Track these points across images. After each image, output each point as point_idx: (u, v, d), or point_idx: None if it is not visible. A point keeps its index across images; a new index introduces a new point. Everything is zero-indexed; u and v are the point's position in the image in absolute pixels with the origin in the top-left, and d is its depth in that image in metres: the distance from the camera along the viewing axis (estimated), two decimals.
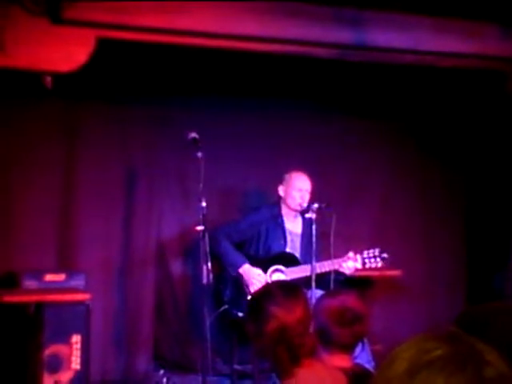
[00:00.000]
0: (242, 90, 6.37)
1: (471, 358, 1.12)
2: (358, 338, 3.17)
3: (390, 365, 1.16)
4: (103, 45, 4.89)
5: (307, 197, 5.75)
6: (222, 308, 5.64)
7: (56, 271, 5.64)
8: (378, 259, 5.72)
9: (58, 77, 4.91)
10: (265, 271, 5.68)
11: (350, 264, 5.63)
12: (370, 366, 4.35)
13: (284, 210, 5.88)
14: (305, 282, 5.40)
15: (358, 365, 3.22)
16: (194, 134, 5.31)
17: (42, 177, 5.92)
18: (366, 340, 5.00)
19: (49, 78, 4.83)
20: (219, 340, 5.84)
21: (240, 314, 5.48)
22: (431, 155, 7.15)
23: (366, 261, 5.70)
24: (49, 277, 5.50)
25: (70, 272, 5.66)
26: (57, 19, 4.72)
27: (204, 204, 5.18)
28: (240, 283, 5.64)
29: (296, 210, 5.83)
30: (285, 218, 5.89)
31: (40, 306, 5.23)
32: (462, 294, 7.22)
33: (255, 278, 5.60)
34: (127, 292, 6.17)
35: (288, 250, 5.86)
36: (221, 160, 6.26)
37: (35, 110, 5.87)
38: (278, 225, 5.87)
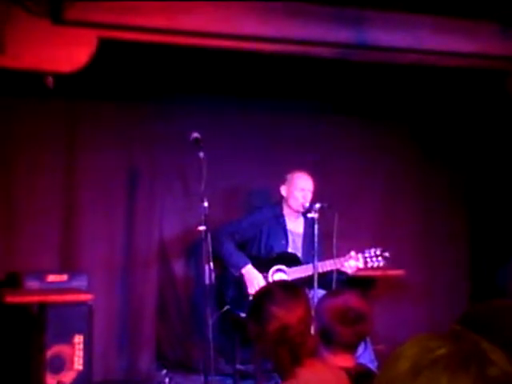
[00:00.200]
0: (244, 90, 6.37)
1: (475, 357, 1.12)
2: (360, 338, 3.17)
3: (394, 364, 1.15)
4: (105, 45, 4.89)
5: (309, 197, 5.75)
6: (225, 308, 5.64)
7: (58, 272, 5.65)
8: (380, 258, 5.72)
9: (60, 77, 4.91)
10: (267, 271, 5.67)
11: (352, 263, 5.62)
12: (372, 366, 4.35)
13: (286, 210, 5.88)
14: (307, 281, 5.40)
15: (360, 364, 3.22)
16: (196, 134, 5.31)
17: (43, 177, 5.92)
18: (368, 340, 5.01)
19: (50, 79, 4.83)
20: (221, 340, 5.84)
21: (242, 315, 5.47)
22: (433, 154, 7.15)
23: (368, 260, 5.69)
24: (51, 277, 5.51)
25: (73, 272, 5.66)
26: (58, 20, 4.72)
27: (206, 204, 5.18)
28: (242, 283, 5.64)
29: (298, 211, 5.82)
30: (286, 218, 5.89)
31: (42, 306, 5.23)
32: (465, 294, 7.22)
33: (256, 280, 5.59)
34: (129, 292, 6.17)
35: (290, 249, 5.85)
36: (223, 160, 6.26)
37: (37, 110, 5.88)
38: (280, 225, 5.86)
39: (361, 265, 5.67)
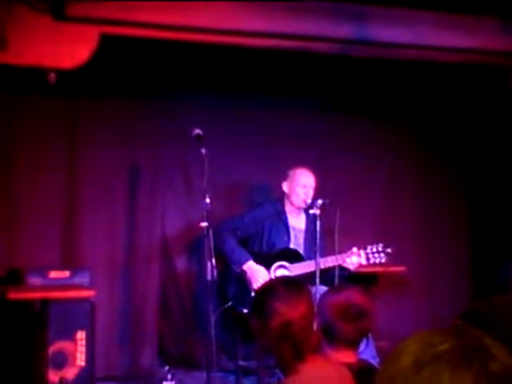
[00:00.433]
0: (246, 87, 6.36)
1: (477, 352, 1.12)
2: (362, 334, 3.17)
3: (396, 359, 1.16)
4: (107, 41, 4.89)
5: (311, 193, 5.74)
6: (227, 304, 5.64)
7: (60, 268, 5.65)
8: (382, 254, 5.71)
9: (62, 73, 4.91)
10: (269, 267, 5.67)
11: (354, 259, 5.62)
12: (374, 362, 4.35)
13: (287, 207, 5.88)
14: (309, 277, 5.40)
15: (362, 360, 3.22)
16: (198, 131, 5.31)
17: (45, 174, 5.92)
18: (370, 336, 5.02)
19: (52, 75, 4.83)
20: (224, 336, 5.84)
21: (245, 311, 5.47)
22: (434, 151, 7.15)
23: (370, 256, 5.69)
24: (53, 274, 5.51)
25: (75, 269, 5.67)
26: (60, 16, 4.72)
27: (208, 200, 5.18)
28: (244, 280, 5.64)
29: (300, 207, 5.82)
30: (288, 215, 5.89)
31: (45, 302, 5.23)
32: (467, 290, 7.22)
33: (259, 275, 5.60)
34: (131, 288, 6.18)
35: (292, 246, 5.85)
36: (225, 156, 6.26)
37: (38, 107, 5.89)
38: (282, 221, 5.86)
39: (363, 261, 5.67)
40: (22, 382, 5.38)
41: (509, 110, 6.51)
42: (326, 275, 5.46)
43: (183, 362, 6.24)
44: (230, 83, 6.27)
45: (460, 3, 5.39)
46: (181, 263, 6.40)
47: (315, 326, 2.90)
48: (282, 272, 5.68)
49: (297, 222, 5.93)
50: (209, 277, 5.15)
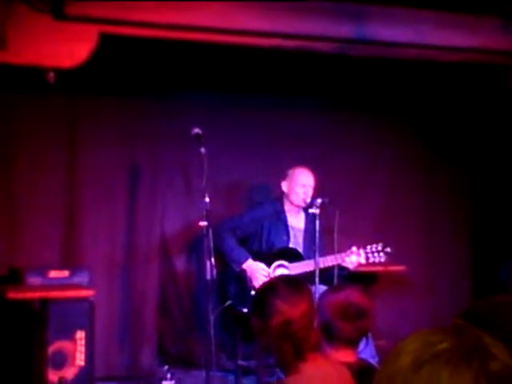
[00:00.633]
0: (245, 86, 6.36)
1: (477, 352, 1.12)
2: (362, 333, 3.17)
3: (395, 358, 1.15)
4: (106, 40, 4.89)
5: (310, 192, 5.74)
6: (226, 304, 5.64)
7: (60, 268, 5.65)
8: (382, 254, 5.71)
9: (61, 72, 4.90)
10: (268, 266, 5.67)
11: (354, 258, 5.62)
12: (374, 362, 4.35)
13: (287, 206, 5.87)
14: (308, 277, 5.40)
15: (362, 360, 3.22)
16: (197, 130, 5.31)
17: (45, 173, 5.92)
18: (369, 335, 5.01)
19: (51, 74, 4.83)
20: (223, 336, 5.85)
21: (244, 310, 5.47)
22: (435, 150, 7.15)
23: (370, 255, 5.69)
24: (53, 273, 5.51)
25: (74, 268, 5.66)
26: (59, 15, 4.72)
27: (207, 199, 5.18)
28: (244, 279, 5.64)
29: (299, 206, 5.82)
30: (287, 214, 5.89)
31: (44, 302, 5.23)
32: (467, 289, 7.22)
33: (259, 272, 5.60)
34: (131, 288, 6.18)
35: (291, 245, 5.85)
36: (224, 155, 6.26)
37: (38, 106, 5.88)
38: (281, 220, 5.86)
39: (362, 260, 5.67)
40: (21, 381, 5.38)
41: (509, 109, 6.51)
42: (326, 274, 5.45)
43: (183, 362, 6.24)
44: (230, 83, 6.27)
45: (460, 2, 5.39)
46: (180, 262, 6.40)
47: (315, 325, 2.89)
48: (281, 271, 5.68)
49: (296, 222, 5.93)
50: (208, 276, 5.15)
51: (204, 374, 5.37)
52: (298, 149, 6.53)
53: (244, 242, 5.84)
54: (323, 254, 5.54)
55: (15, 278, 5.52)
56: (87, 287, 5.51)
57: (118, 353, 6.12)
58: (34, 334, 5.30)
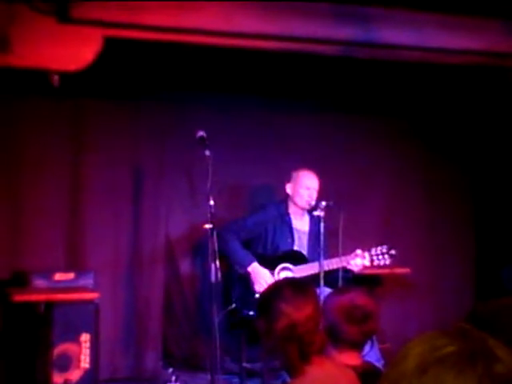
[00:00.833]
0: (250, 89, 6.36)
1: (482, 354, 1.12)
2: (367, 336, 3.17)
3: (401, 361, 1.16)
4: (110, 43, 4.89)
5: (315, 195, 5.74)
6: (231, 306, 5.64)
7: (65, 270, 5.66)
8: (386, 256, 5.71)
9: (66, 75, 4.91)
10: (273, 269, 5.67)
11: (358, 261, 5.62)
12: (379, 364, 4.34)
13: (291, 208, 5.87)
14: (313, 279, 5.39)
15: (367, 363, 3.22)
16: (201, 133, 5.32)
17: (50, 176, 5.93)
18: (374, 338, 5.01)
19: (56, 77, 4.84)
20: (228, 338, 5.84)
21: (251, 313, 5.46)
22: (438, 152, 7.14)
23: (374, 258, 5.69)
24: (58, 276, 5.52)
25: (79, 271, 5.67)
26: (64, 18, 4.72)
27: (212, 202, 5.19)
28: (248, 281, 5.64)
29: (304, 208, 5.82)
30: (292, 216, 5.88)
31: (49, 305, 5.24)
32: (471, 292, 7.21)
33: (262, 278, 5.60)
34: (136, 290, 6.18)
35: (295, 248, 5.85)
36: (229, 158, 6.26)
37: (42, 109, 5.89)
38: (285, 223, 5.86)
39: (367, 263, 5.67)
40: (26, 383, 5.39)
41: (511, 111, 6.51)
42: (330, 277, 5.45)
43: (187, 364, 6.24)
44: (235, 85, 6.27)
45: (464, 5, 5.38)
46: (185, 265, 6.40)
47: (320, 328, 2.89)
48: (285, 274, 5.68)
49: (300, 224, 5.92)
50: (213, 279, 5.15)
51: (209, 376, 5.37)
52: (301, 151, 6.53)
53: (248, 244, 5.84)
54: (327, 256, 5.53)
55: (20, 280, 5.53)
56: (92, 290, 5.51)
57: (122, 355, 6.12)
58: (39, 337, 5.31)
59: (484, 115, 7.06)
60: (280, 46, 5.37)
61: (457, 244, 7.22)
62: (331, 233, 5.47)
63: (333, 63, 5.87)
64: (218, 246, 5.21)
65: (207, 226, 5.19)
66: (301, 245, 5.89)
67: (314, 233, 5.81)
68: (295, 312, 2.71)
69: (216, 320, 5.16)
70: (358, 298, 3.14)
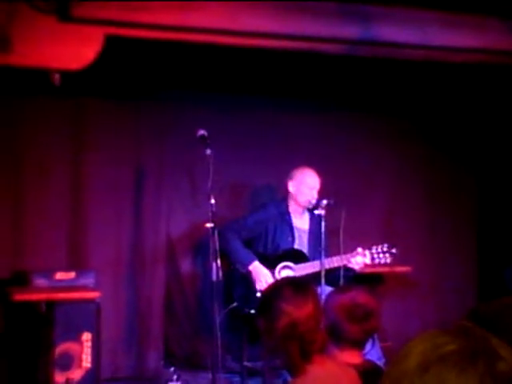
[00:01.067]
0: (251, 87, 6.36)
1: (484, 353, 1.12)
2: (368, 334, 3.17)
3: (403, 359, 1.16)
4: (111, 42, 4.89)
5: (316, 194, 5.74)
6: (232, 305, 5.64)
7: (66, 269, 5.66)
8: (387, 255, 5.71)
9: (67, 74, 4.91)
10: (274, 268, 5.67)
11: (359, 259, 5.62)
12: (380, 363, 4.34)
13: (291, 207, 5.87)
14: (314, 278, 5.40)
15: (368, 361, 3.22)
16: (202, 132, 5.32)
17: (51, 175, 5.93)
18: (376, 336, 5.01)
19: (57, 76, 4.84)
20: (229, 337, 5.84)
21: (252, 311, 5.46)
22: (440, 151, 7.14)
23: (375, 256, 5.69)
24: (59, 275, 5.52)
25: (80, 270, 5.68)
26: (65, 17, 4.72)
27: (213, 201, 5.19)
28: (249, 280, 5.64)
29: (305, 207, 5.82)
30: (292, 215, 5.88)
31: (51, 304, 5.24)
32: (473, 291, 7.21)
33: (263, 276, 5.60)
34: (137, 290, 6.18)
35: (296, 246, 5.85)
36: (229, 157, 6.26)
37: (43, 108, 5.89)
38: (286, 222, 5.86)
39: (368, 261, 5.66)
40: (28, 383, 5.39)
41: None
42: (332, 276, 5.45)
43: (189, 363, 6.24)
44: (236, 85, 6.27)
45: (467, 3, 5.38)
46: (186, 264, 6.40)
47: (321, 327, 2.89)
48: (286, 272, 5.68)
49: (301, 223, 5.92)
50: (214, 278, 5.15)
51: (210, 375, 5.37)
52: (303, 150, 6.53)
53: (249, 243, 5.84)
54: (328, 255, 5.53)
55: (21, 279, 5.53)
56: (93, 289, 5.51)
57: (124, 354, 6.13)
58: (41, 336, 5.31)
59: (487, 114, 7.06)
60: (284, 44, 5.36)
61: (459, 243, 7.22)
62: (331, 232, 5.47)
63: (334, 62, 5.87)
64: (219, 245, 5.21)
65: (208, 225, 5.19)
66: (301, 243, 5.89)
67: (314, 231, 5.82)
68: (296, 311, 2.71)
69: (217, 319, 5.16)
70: (359, 296, 3.15)
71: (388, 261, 5.73)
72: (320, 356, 2.73)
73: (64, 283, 5.49)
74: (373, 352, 4.79)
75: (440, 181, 7.17)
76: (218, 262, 5.16)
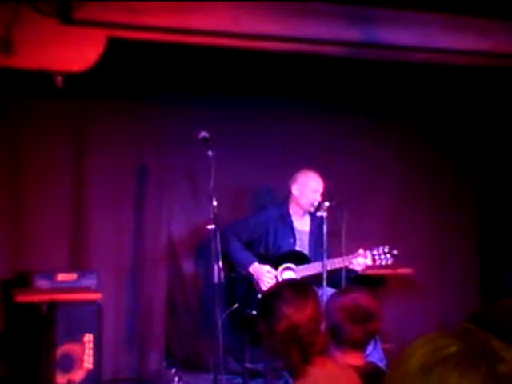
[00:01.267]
0: (253, 89, 6.37)
1: (485, 355, 1.12)
2: (370, 336, 3.17)
3: (405, 361, 1.16)
4: (114, 44, 4.89)
5: (319, 197, 5.75)
6: (234, 307, 5.64)
7: (68, 271, 5.67)
8: (389, 256, 5.71)
9: (69, 76, 4.92)
10: (275, 269, 5.67)
11: (361, 260, 5.62)
12: (381, 365, 4.35)
13: (292, 209, 5.87)
14: (315, 279, 5.40)
15: (370, 363, 3.22)
16: (204, 133, 5.32)
17: (53, 177, 5.94)
18: (377, 338, 5.01)
19: (59, 78, 4.84)
20: (231, 338, 5.85)
21: (253, 313, 5.47)
22: (442, 152, 7.14)
23: (377, 257, 5.69)
24: (61, 276, 5.53)
25: (82, 271, 5.68)
26: (67, 19, 4.72)
27: (215, 203, 5.19)
28: (251, 282, 5.64)
29: (308, 210, 5.81)
30: (293, 217, 5.88)
31: (52, 305, 5.25)
32: (474, 292, 7.21)
33: (265, 275, 5.60)
34: (139, 291, 6.19)
35: (297, 248, 5.86)
36: (231, 159, 6.26)
37: (45, 110, 5.90)
38: (287, 223, 5.86)
39: (369, 262, 5.66)
40: None
41: None
42: (333, 277, 5.45)
43: (190, 365, 6.24)
44: (238, 86, 6.28)
45: (469, 5, 5.38)
46: (187, 266, 6.41)
47: (323, 329, 2.90)
48: (288, 274, 5.68)
49: (301, 225, 5.93)
50: (215, 279, 5.16)
51: (211, 376, 5.38)
52: (305, 152, 6.53)
53: (250, 245, 5.84)
54: (330, 256, 5.54)
55: (23, 281, 5.54)
56: (95, 290, 5.52)
57: (125, 356, 6.13)
58: (42, 337, 5.31)
59: (490, 117, 7.05)
60: (287, 47, 5.37)
61: (461, 245, 7.22)
62: (333, 233, 5.46)
63: (338, 65, 5.87)
64: (220, 247, 5.21)
65: (210, 226, 5.19)
66: (302, 245, 5.89)
67: (314, 233, 5.82)
68: (296, 313, 2.71)
69: (219, 320, 5.17)
70: (360, 298, 3.15)
71: (389, 262, 5.74)
72: (321, 358, 2.73)
73: (66, 284, 5.50)
74: (374, 353, 4.80)
75: (441, 183, 7.17)
76: (220, 263, 5.16)
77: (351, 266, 5.60)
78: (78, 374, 5.27)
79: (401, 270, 6.29)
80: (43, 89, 5.25)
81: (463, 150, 7.21)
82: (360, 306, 3.09)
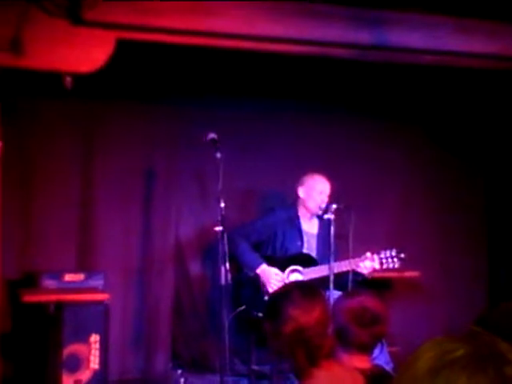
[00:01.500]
0: (262, 92, 6.37)
1: (492, 358, 1.12)
2: (376, 339, 3.17)
3: (413, 364, 1.16)
4: (123, 45, 4.90)
5: (326, 199, 5.75)
6: (240, 308, 5.64)
7: (75, 271, 5.68)
8: (396, 259, 5.71)
9: (78, 77, 4.93)
10: (282, 272, 5.68)
11: (368, 264, 5.62)
12: (388, 368, 4.34)
13: (301, 211, 5.87)
14: (322, 282, 5.40)
15: (376, 366, 3.22)
16: (212, 135, 5.33)
17: (61, 177, 5.95)
18: (384, 341, 5.01)
19: (69, 79, 4.85)
20: (237, 340, 5.85)
21: (260, 315, 5.47)
22: (450, 155, 7.13)
23: (384, 261, 5.69)
24: (68, 277, 5.54)
25: (89, 272, 5.69)
26: (76, 20, 4.73)
27: (223, 204, 5.20)
28: (258, 284, 5.65)
29: (315, 213, 5.81)
30: (301, 219, 5.89)
31: (59, 305, 5.26)
32: (482, 295, 7.19)
33: (273, 277, 5.61)
34: (146, 292, 6.19)
35: (305, 250, 5.86)
36: (239, 160, 6.27)
37: (54, 111, 5.91)
38: (295, 226, 5.86)
39: (376, 265, 5.66)
40: None
41: None
42: (340, 280, 5.45)
43: (196, 366, 6.25)
44: (247, 88, 6.28)
45: (479, 8, 5.37)
46: (195, 267, 6.41)
47: (330, 332, 2.89)
48: (295, 276, 5.68)
49: (309, 227, 5.93)
50: (222, 281, 5.16)
51: (218, 378, 5.38)
52: (312, 154, 6.53)
53: (258, 247, 5.84)
54: (337, 259, 5.53)
55: (31, 281, 5.55)
56: (102, 291, 5.53)
57: (132, 356, 6.14)
58: (49, 337, 5.33)
59: (498, 118, 7.04)
60: (295, 49, 5.36)
61: (468, 248, 7.20)
62: (340, 236, 5.46)
63: (346, 67, 5.87)
64: (228, 249, 5.22)
65: (217, 228, 5.20)
66: (310, 248, 5.89)
67: (322, 236, 5.82)
68: (303, 315, 2.71)
69: (225, 322, 5.17)
70: (367, 301, 3.14)
71: (396, 266, 5.73)
72: (327, 361, 2.73)
73: (73, 285, 5.51)
74: (381, 357, 4.80)
75: (449, 186, 7.16)
76: (227, 265, 5.17)
77: (358, 270, 5.60)
78: (85, 375, 5.28)
79: (408, 273, 6.28)
80: (52, 89, 5.26)
81: (471, 153, 7.19)
82: (367, 309, 3.08)
